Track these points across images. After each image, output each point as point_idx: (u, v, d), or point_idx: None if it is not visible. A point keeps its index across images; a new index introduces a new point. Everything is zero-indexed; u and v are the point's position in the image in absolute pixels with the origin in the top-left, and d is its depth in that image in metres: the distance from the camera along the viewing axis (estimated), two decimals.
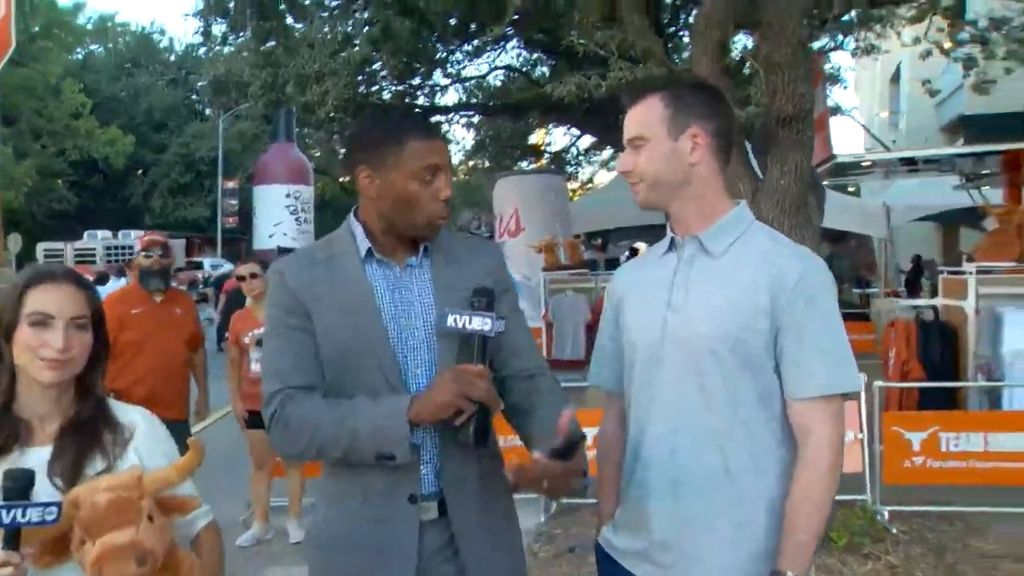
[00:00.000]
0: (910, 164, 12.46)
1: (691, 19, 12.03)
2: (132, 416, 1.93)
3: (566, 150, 26.02)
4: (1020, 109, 18.43)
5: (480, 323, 1.95)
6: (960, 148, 11.03)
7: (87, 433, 1.84)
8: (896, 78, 29.06)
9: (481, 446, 1.98)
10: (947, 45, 12.09)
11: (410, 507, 2.01)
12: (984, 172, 11.64)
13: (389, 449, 1.92)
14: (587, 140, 25.31)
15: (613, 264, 18.67)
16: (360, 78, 11.50)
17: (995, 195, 12.59)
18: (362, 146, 2.08)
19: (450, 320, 1.98)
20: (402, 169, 2.01)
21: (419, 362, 2.04)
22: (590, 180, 30.62)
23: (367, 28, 10.87)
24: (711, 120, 2.00)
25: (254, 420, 5.83)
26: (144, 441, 1.89)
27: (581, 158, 27.57)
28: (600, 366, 2.22)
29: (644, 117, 2.01)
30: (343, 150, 2.37)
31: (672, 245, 2.07)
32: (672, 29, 13.61)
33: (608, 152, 27.45)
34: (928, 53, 12.32)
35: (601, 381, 2.23)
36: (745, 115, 4.39)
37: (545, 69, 17.62)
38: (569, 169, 26.39)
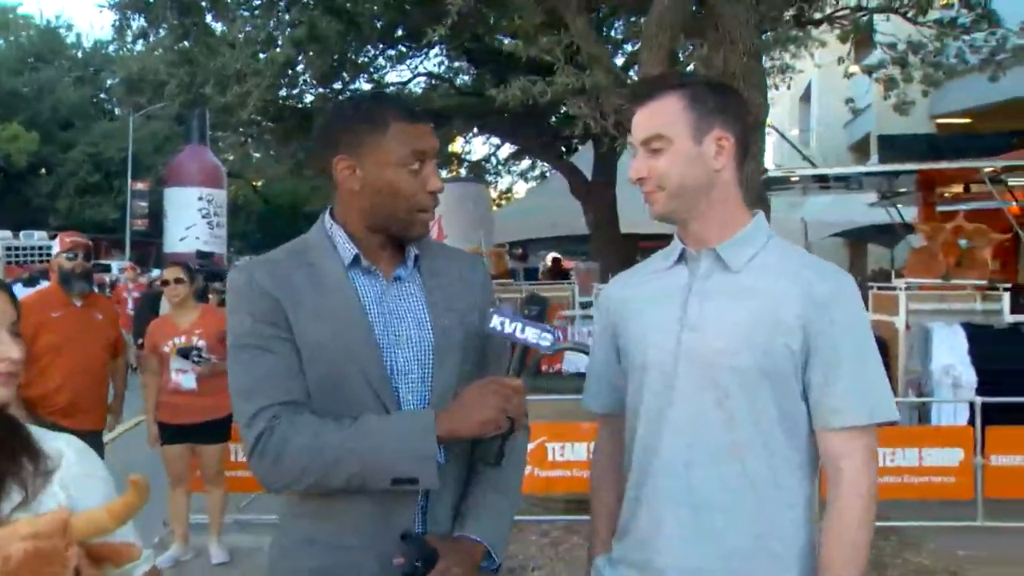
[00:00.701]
0: (822, 181, 12.76)
1: (624, 25, 12.02)
2: (57, 444, 1.54)
3: (486, 159, 25.88)
4: (930, 129, 19.08)
5: (536, 335, 1.75)
6: (884, 167, 11.27)
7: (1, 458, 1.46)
8: (807, 97, 29.83)
9: (498, 467, 1.82)
10: (852, 68, 12.41)
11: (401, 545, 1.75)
12: (900, 191, 11.92)
13: (411, 471, 1.69)
14: (507, 150, 25.24)
15: (532, 274, 18.66)
16: (283, 80, 11.15)
17: (909, 213, 12.95)
18: (339, 132, 1.85)
19: (495, 322, 1.78)
20: (386, 155, 1.80)
21: (409, 384, 1.82)
22: (509, 190, 30.56)
23: (290, 29, 10.56)
24: (735, 122, 1.85)
25: (172, 434, 5.54)
26: (72, 475, 1.50)
27: (501, 168, 27.46)
28: (597, 389, 2.04)
29: (662, 116, 1.81)
30: (318, 138, 1.95)
31: (682, 258, 1.88)
32: (612, 34, 13.62)
33: (527, 162, 27.44)
34: (851, 74, 12.59)
35: (599, 405, 2.06)
36: None
37: (466, 77, 17.47)
38: (489, 179, 26.26)
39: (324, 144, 1.88)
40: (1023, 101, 14.79)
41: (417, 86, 18.47)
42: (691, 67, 4.48)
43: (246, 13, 11.38)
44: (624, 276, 2.08)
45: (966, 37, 10.44)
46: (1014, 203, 9.50)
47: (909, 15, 9.68)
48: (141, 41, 12.60)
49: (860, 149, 24.86)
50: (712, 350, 1.76)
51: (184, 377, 5.43)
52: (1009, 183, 9.42)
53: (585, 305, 11.67)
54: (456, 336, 1.85)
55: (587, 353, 6.54)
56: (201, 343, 5.43)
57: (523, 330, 1.75)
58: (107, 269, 31.92)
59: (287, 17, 11.05)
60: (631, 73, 6.66)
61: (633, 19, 10.92)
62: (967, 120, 19.10)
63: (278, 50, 10.41)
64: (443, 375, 1.83)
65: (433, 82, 17.85)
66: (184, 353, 5.41)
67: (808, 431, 1.77)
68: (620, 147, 13.70)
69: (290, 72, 11.55)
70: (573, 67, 4.88)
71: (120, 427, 6.41)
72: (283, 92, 12.37)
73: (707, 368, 1.76)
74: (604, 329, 2.01)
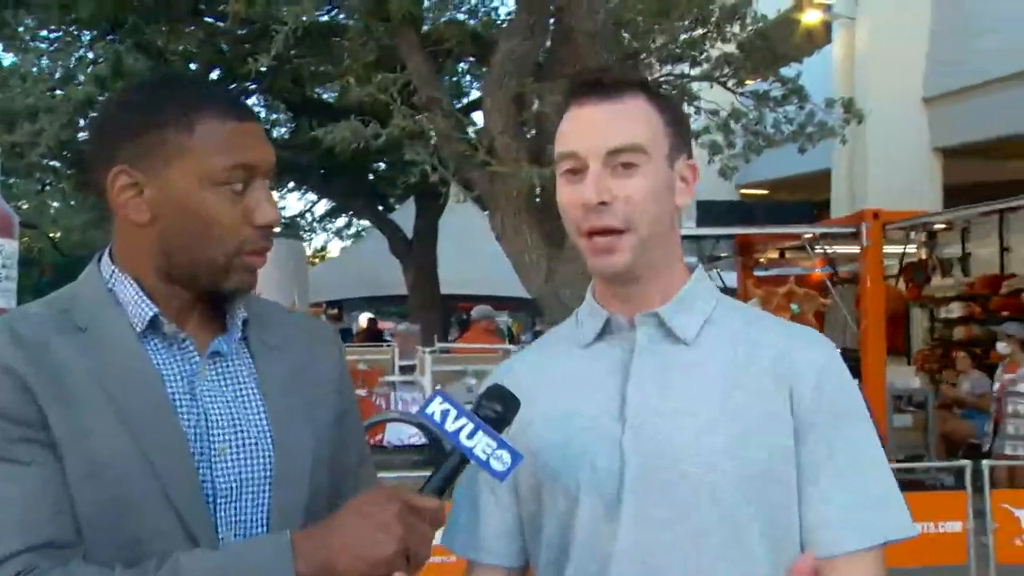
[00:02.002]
0: None
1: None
2: None
3: (301, 215, 25.07)
4: (735, 198, 19.90)
5: (489, 449, 1.17)
6: (710, 230, 11.49)
7: None
8: None
9: None
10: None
11: None
12: (720, 255, 12.17)
13: None
14: (323, 206, 24.57)
15: (346, 335, 17.95)
16: (81, 120, 10.17)
17: (729, 278, 13.27)
18: (117, 132, 1.24)
19: (435, 409, 1.19)
20: (191, 169, 1.21)
21: (234, 509, 1.23)
22: (323, 248, 29.74)
23: (92, 67, 9.68)
24: (689, 149, 1.40)
25: None
26: None
27: (316, 224, 26.71)
28: (482, 530, 1.39)
29: (639, 122, 1.31)
30: (89, 144, 1.22)
31: (606, 331, 1.36)
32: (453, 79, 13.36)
33: (343, 220, 26.82)
34: None
35: (491, 556, 1.39)
36: (540, 176, 3.98)
37: (283, 129, 16.81)
38: (303, 235, 25.43)
39: (96, 150, 1.27)
40: (819, 174, 15.57)
41: None
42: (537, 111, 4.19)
43: (42, 45, 10.39)
44: (516, 360, 1.51)
45: (780, 109, 10.86)
46: (828, 269, 9.80)
47: (729, 84, 9.92)
48: None
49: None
50: (671, 458, 1.26)
51: None
52: (826, 250, 9.70)
53: (406, 369, 11.18)
54: (303, 436, 1.28)
55: (418, 425, 6.06)
56: None
57: (473, 434, 1.18)
58: None
59: (88, 55, 10.17)
60: (473, 116, 6.38)
61: (475, 63, 10.68)
62: (765, 192, 20.06)
63: (79, 87, 9.49)
64: (286, 494, 1.25)
65: None
66: None
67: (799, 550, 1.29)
68: (445, 199, 13.46)
69: (91, 112, 10.59)
70: (409, 109, 4.46)
71: None
72: (83, 135, 11.36)
73: (668, 488, 1.25)
74: None
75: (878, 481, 1.28)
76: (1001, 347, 8.09)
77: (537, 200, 4.53)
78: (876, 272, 8.33)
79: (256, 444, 1.25)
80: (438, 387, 7.97)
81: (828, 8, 15.74)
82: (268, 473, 1.25)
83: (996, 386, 7.99)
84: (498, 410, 1.22)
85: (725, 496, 1.24)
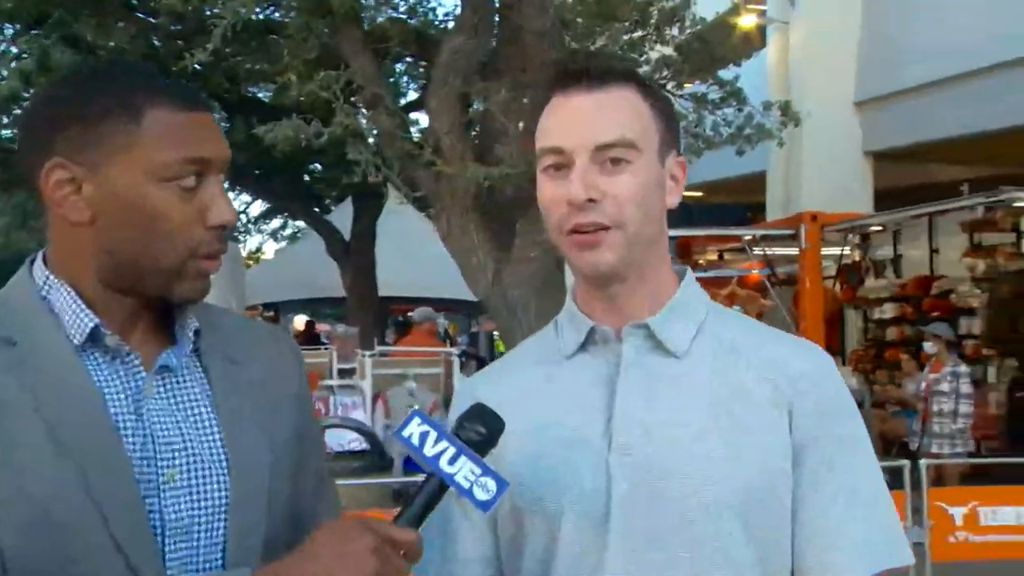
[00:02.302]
0: None
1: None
2: None
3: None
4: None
5: (471, 476, 1.07)
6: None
7: None
8: None
9: None
10: None
11: None
12: None
13: None
14: (258, 207, 24.15)
15: None
16: (4, 118, 9.80)
17: None
18: (56, 121, 1.11)
19: (412, 431, 1.09)
20: (137, 160, 1.09)
21: (185, 544, 1.10)
22: (259, 249, 29.25)
23: (16, 62, 9.33)
24: (679, 145, 1.32)
25: None
26: None
27: (251, 226, 26.24)
28: (457, 557, 1.28)
29: (629, 114, 1.23)
30: (21, 134, 1.08)
31: (590, 341, 1.27)
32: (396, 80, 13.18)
33: (277, 221, 26.41)
34: None
35: None
36: (487, 176, 3.91)
37: (224, 126, 16.48)
38: (238, 237, 24.97)
39: (29, 141, 1.14)
40: (755, 177, 15.76)
41: None
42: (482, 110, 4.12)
43: None
44: (492, 374, 1.41)
45: (718, 112, 10.96)
46: (767, 270, 9.91)
47: (668, 87, 9.97)
48: None
49: None
50: (661, 477, 1.17)
51: None
52: (765, 252, 9.81)
53: (344, 373, 11.01)
54: (262, 460, 1.16)
55: (358, 430, 5.95)
56: None
57: (455, 460, 1.08)
58: None
59: (14, 49, 9.80)
60: (414, 116, 6.27)
61: (413, 63, 10.54)
62: (701, 194, 20.29)
63: (2, 82, 9.15)
64: (244, 525, 1.13)
65: None
66: None
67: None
68: (386, 200, 13.28)
69: (15, 108, 10.23)
70: (352, 107, 4.36)
71: None
72: (6, 133, 10.94)
73: (657, 508, 1.17)
74: None
75: (881, 505, 1.23)
76: (928, 347, 8.29)
77: (484, 200, 4.46)
78: (815, 273, 8.45)
79: (209, 469, 1.13)
80: (379, 392, 7.85)
81: (763, 13, 15.95)
82: (223, 501, 1.13)
83: (922, 385, 8.18)
84: (481, 432, 1.11)
85: (717, 515, 1.16)
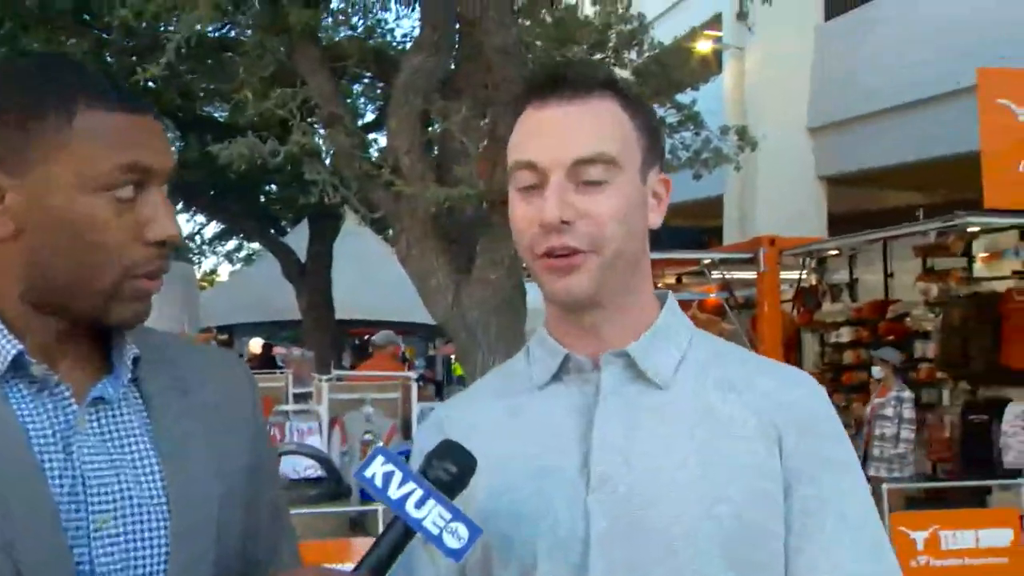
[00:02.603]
0: None
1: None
2: None
3: (190, 238, 24.28)
4: None
5: (441, 522, 0.97)
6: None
7: None
8: None
9: None
10: None
11: None
12: None
13: None
14: (212, 228, 23.87)
15: None
16: None
17: None
18: None
19: (375, 471, 0.97)
20: (68, 167, 0.98)
21: None
22: (213, 271, 28.87)
23: None
24: (662, 161, 1.23)
25: None
26: None
27: (205, 247, 25.91)
28: None
29: (610, 128, 1.13)
30: None
31: (564, 369, 1.17)
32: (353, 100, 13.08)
33: (233, 243, 26.13)
34: None
35: None
36: (447, 197, 3.84)
37: (173, 149, 16.24)
38: (192, 258, 24.64)
39: None
40: (711, 201, 15.88)
41: None
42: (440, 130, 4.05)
43: None
44: (460, 405, 1.30)
45: (676, 136, 11.01)
46: (724, 294, 9.93)
47: None
48: None
49: None
50: (644, 509, 1.08)
51: None
52: (724, 276, 9.83)
53: (300, 397, 10.83)
54: (208, 502, 1.05)
55: (314, 457, 5.80)
56: None
57: (423, 503, 0.98)
58: None
59: None
60: (375, 136, 6.19)
61: (371, 83, 10.45)
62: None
63: None
64: (188, 566, 1.01)
65: None
66: None
67: None
68: (343, 221, 13.13)
69: None
70: (309, 126, 4.26)
71: None
72: None
73: (639, 540, 1.08)
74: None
75: (875, 536, 1.15)
76: (876, 371, 8.35)
77: (443, 221, 4.38)
78: (773, 297, 8.47)
79: (148, 514, 1.02)
80: (336, 417, 7.69)
81: (719, 39, 16.13)
82: (163, 551, 1.01)
83: (868, 410, 8.23)
84: (452, 471, 1.01)
85: (702, 545, 1.08)
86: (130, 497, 1.01)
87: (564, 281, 1.12)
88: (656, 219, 1.19)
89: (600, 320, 1.16)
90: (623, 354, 1.15)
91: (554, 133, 1.12)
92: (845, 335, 11.04)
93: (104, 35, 8.47)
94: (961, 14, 11.59)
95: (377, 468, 0.99)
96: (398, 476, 0.99)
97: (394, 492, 0.98)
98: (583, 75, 1.17)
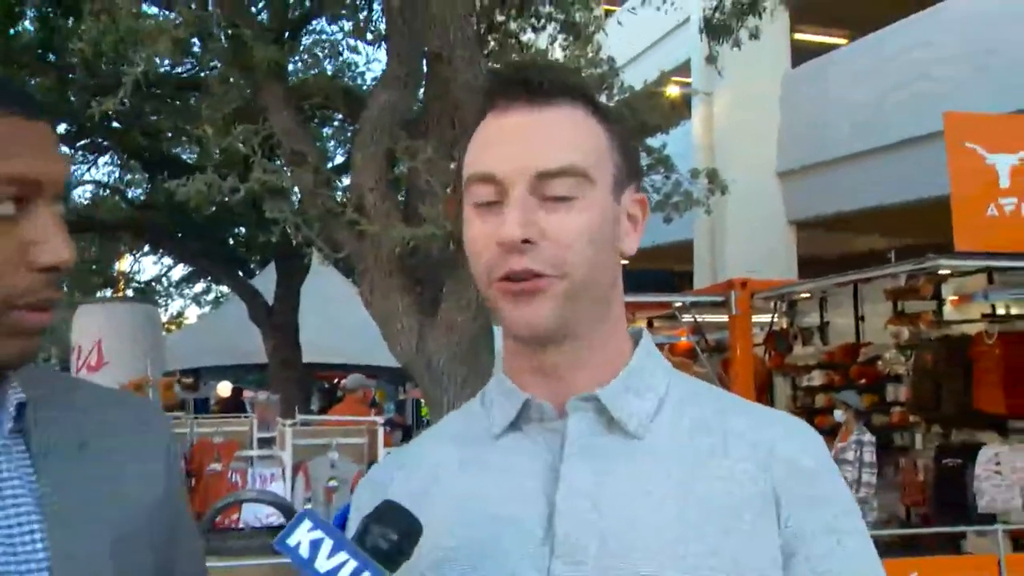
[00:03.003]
0: None
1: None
2: None
3: (157, 280, 23.99)
4: None
5: None
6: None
7: None
8: None
9: None
10: None
11: None
12: None
13: None
14: (179, 271, 23.64)
15: (203, 405, 17.02)
16: None
17: None
18: None
19: (299, 538, 0.83)
20: None
21: None
22: (180, 314, 28.54)
23: None
24: (639, 179, 1.09)
25: None
26: None
27: (172, 290, 25.63)
28: None
29: (581, 138, 1.00)
30: None
31: (524, 417, 1.02)
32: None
33: (201, 285, 25.87)
34: None
35: None
36: (412, 237, 3.73)
37: (139, 191, 16.09)
38: (159, 300, 24.35)
39: None
40: (681, 244, 15.90)
41: (82, 196, 16.81)
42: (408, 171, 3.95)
43: None
44: (406, 457, 1.13)
45: (647, 179, 11.02)
46: (696, 337, 9.85)
47: None
48: None
49: None
50: (617, 557, 0.93)
51: None
52: (695, 319, 9.76)
53: (265, 442, 10.61)
54: (100, 569, 0.91)
55: (276, 505, 5.61)
56: None
57: None
58: None
59: None
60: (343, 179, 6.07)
61: (341, 126, 10.38)
62: (626, 261, 20.39)
63: None
64: None
65: (102, 192, 16.26)
66: None
67: None
68: (309, 261, 12.96)
69: None
70: (271, 163, 4.15)
71: None
72: None
73: None
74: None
75: None
76: (838, 415, 8.31)
77: (409, 262, 4.27)
78: (745, 340, 8.40)
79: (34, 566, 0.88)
80: (300, 462, 7.50)
81: (688, 84, 16.27)
82: None
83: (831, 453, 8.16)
84: (392, 538, 0.86)
85: None
86: (4, 566, 0.87)
87: (524, 311, 0.97)
88: (631, 245, 1.05)
89: (565, 359, 1.01)
90: (592, 399, 1.00)
91: (516, 142, 0.98)
92: (816, 378, 10.98)
93: (69, 75, 8.37)
94: (926, 60, 11.75)
95: (303, 535, 0.84)
96: (328, 544, 0.84)
97: (322, 564, 0.84)
98: (551, 78, 1.02)
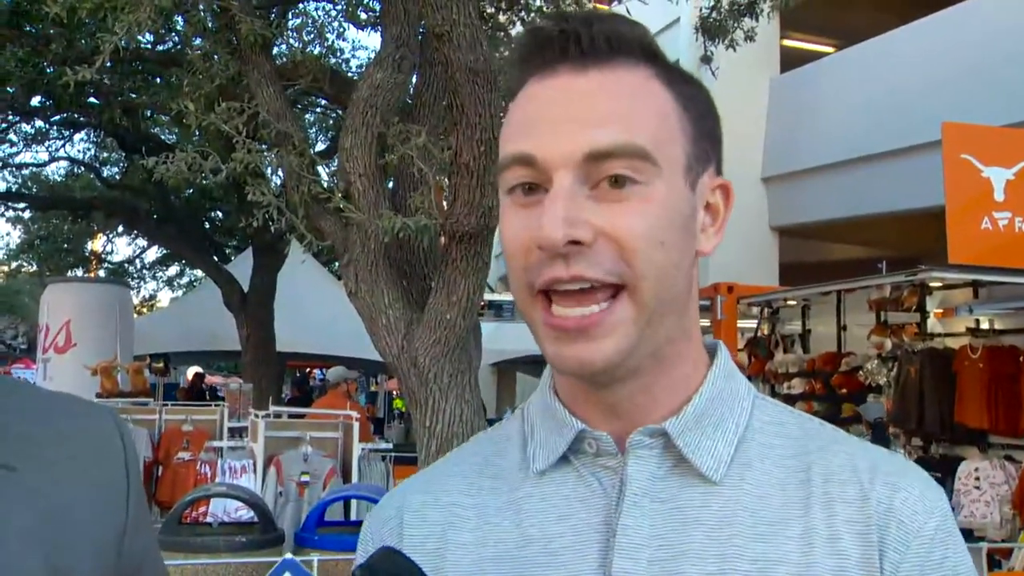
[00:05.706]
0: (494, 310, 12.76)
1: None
2: None
3: (130, 261, 23.58)
4: None
5: None
6: None
7: None
8: None
9: None
10: None
11: None
12: None
13: None
14: (153, 253, 23.26)
15: (171, 390, 16.74)
16: None
17: None
18: None
19: None
20: None
21: None
22: (153, 297, 28.09)
23: None
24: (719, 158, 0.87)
25: None
26: None
27: (146, 272, 25.20)
28: None
29: (638, 109, 0.78)
30: None
31: (577, 447, 0.84)
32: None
33: (175, 269, 25.48)
34: None
35: None
36: (402, 227, 3.54)
37: (115, 169, 15.78)
38: (132, 283, 23.95)
39: None
40: None
41: (57, 172, 16.48)
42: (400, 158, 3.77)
43: None
44: (414, 498, 0.89)
45: None
46: None
47: None
48: None
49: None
50: None
51: None
52: None
53: (235, 432, 10.38)
54: None
55: (246, 501, 5.40)
56: None
57: None
58: None
59: None
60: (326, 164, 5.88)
61: (325, 113, 10.15)
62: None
63: None
64: None
65: (77, 169, 15.95)
66: None
67: None
68: (289, 249, 12.72)
69: None
70: (255, 143, 3.95)
71: None
72: None
73: None
74: None
75: None
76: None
77: (396, 254, 4.08)
78: (731, 345, 8.27)
79: None
80: (273, 455, 7.29)
81: None
82: None
83: None
84: None
85: None
86: None
87: (578, 348, 0.77)
88: (711, 243, 0.84)
89: (630, 392, 0.82)
90: (660, 433, 0.82)
91: (561, 113, 0.77)
92: (797, 386, 10.89)
93: (45, 45, 8.09)
94: (914, 72, 11.68)
95: None
96: None
97: None
98: (604, 30, 0.79)
